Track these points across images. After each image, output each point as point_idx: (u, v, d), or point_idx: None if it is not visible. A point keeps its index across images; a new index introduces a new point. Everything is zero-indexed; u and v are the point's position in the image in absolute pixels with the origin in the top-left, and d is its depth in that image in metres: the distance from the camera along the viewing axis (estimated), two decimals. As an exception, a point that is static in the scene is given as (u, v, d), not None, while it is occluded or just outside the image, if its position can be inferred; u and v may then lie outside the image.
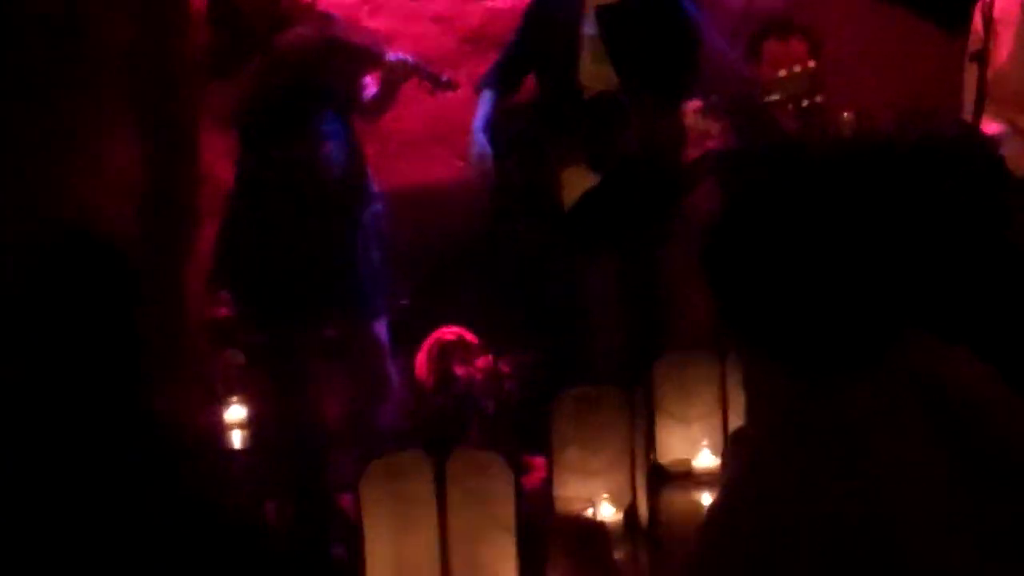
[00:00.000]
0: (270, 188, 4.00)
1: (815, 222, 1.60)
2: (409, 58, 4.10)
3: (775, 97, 3.47)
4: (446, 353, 4.84)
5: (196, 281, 4.30)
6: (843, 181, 1.63)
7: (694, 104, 3.59)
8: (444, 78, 4.15)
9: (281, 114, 3.99)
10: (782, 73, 3.48)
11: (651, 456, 3.15)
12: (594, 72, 3.79)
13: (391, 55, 4.07)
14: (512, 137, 4.00)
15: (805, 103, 3.39)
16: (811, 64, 3.48)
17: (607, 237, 3.83)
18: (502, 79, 4.24)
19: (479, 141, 4.17)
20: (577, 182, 3.80)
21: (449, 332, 4.88)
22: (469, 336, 4.88)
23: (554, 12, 3.98)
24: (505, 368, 4.80)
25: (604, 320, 3.88)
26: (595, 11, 3.84)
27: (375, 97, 4.13)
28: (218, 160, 4.68)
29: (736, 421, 3.16)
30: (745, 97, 3.57)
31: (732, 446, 1.84)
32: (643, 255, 3.82)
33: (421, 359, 4.84)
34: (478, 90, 4.26)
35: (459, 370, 4.81)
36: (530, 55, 4.12)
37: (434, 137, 5.44)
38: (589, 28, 3.84)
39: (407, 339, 4.70)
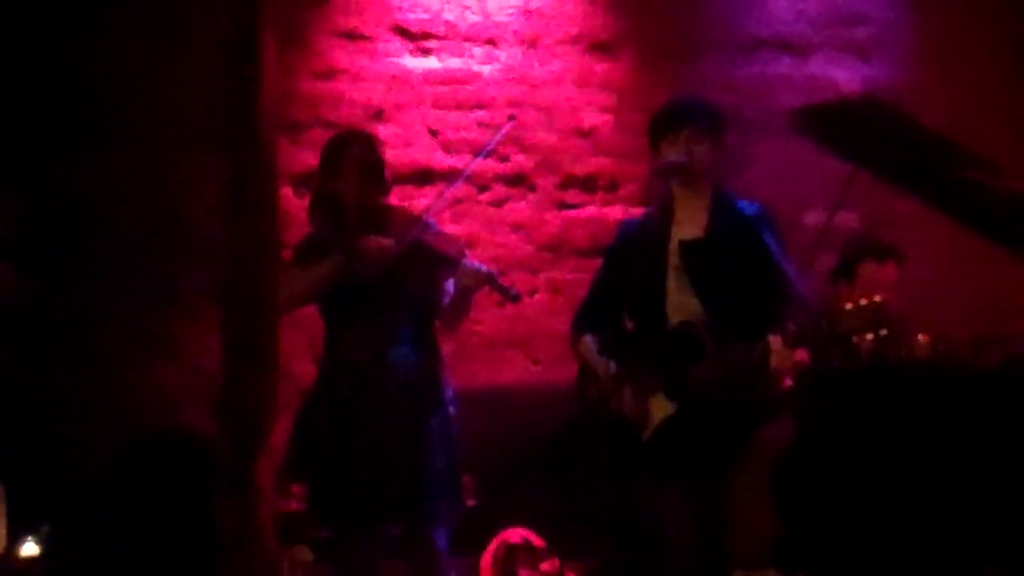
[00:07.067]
0: (344, 387, 4.06)
1: (888, 453, 1.60)
2: (483, 267, 4.13)
3: (839, 330, 3.42)
4: (512, 556, 4.81)
5: (268, 474, 4.32)
6: (920, 410, 1.64)
7: (776, 340, 3.56)
8: (513, 292, 4.18)
9: (359, 315, 4.07)
10: (848, 306, 3.41)
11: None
12: (680, 303, 3.81)
13: (467, 262, 4.11)
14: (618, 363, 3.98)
15: (869, 336, 3.32)
16: (877, 299, 3.38)
17: (681, 464, 3.80)
18: (593, 323, 4.11)
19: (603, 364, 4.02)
20: (658, 411, 3.80)
21: (515, 534, 4.85)
22: (535, 539, 4.84)
23: (639, 248, 3.98)
24: (571, 574, 4.76)
25: (678, 536, 3.82)
26: (679, 245, 3.87)
27: (451, 303, 4.17)
28: (295, 355, 4.76)
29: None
30: (816, 327, 3.53)
31: None
32: (714, 477, 3.77)
33: (486, 561, 4.81)
34: (574, 339, 4.11)
35: (524, 574, 4.77)
36: (616, 293, 4.06)
37: (510, 341, 5.51)
38: (674, 260, 3.88)
39: (474, 538, 4.68)
